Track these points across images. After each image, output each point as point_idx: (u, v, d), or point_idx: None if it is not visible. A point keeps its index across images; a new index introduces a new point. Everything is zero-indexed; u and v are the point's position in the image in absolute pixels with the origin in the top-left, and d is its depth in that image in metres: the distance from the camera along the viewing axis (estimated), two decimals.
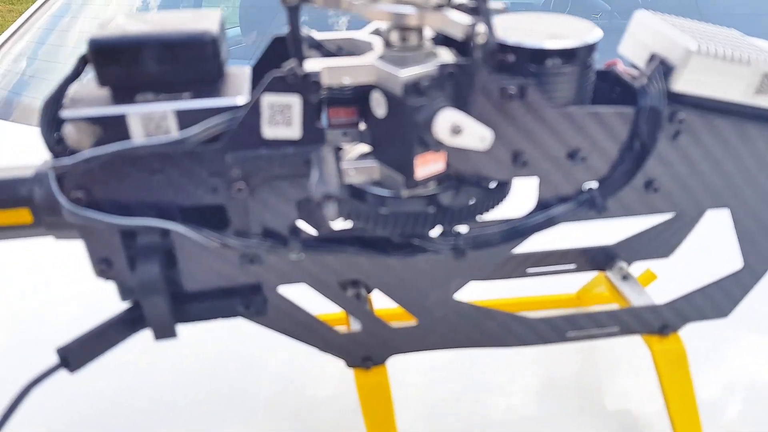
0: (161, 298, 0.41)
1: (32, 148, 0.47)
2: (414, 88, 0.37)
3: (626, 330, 0.52)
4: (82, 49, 0.39)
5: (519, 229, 0.45)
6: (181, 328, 0.44)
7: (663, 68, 0.41)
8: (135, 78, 0.38)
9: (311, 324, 0.48)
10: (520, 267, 0.62)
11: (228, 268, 0.44)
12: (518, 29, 0.41)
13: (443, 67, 0.38)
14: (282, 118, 0.39)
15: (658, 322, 0.52)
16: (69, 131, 0.38)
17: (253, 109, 0.38)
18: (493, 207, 0.44)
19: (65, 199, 0.39)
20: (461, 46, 0.39)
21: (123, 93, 0.39)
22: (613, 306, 0.56)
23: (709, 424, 0.55)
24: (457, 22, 0.36)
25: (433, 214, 0.42)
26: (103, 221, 0.39)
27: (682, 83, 0.41)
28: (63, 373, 0.44)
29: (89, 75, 0.40)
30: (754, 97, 0.42)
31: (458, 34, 0.36)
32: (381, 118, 0.39)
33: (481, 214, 0.44)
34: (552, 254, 0.61)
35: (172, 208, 0.41)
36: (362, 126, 0.41)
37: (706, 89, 0.41)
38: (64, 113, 0.38)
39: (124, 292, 0.45)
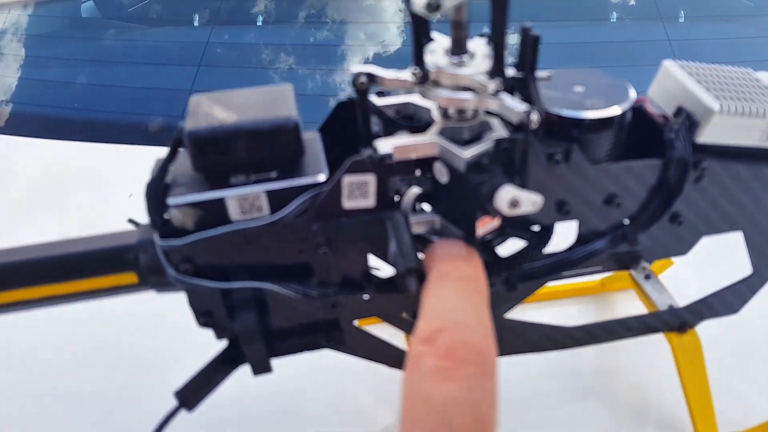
0: (259, 341, 0.48)
1: None
2: (476, 166, 0.42)
3: (651, 330, 0.60)
4: None
5: (564, 262, 0.51)
6: None
7: (688, 123, 0.47)
8: (228, 163, 0.44)
9: (382, 347, 0.55)
10: None
11: (312, 310, 0.50)
12: (558, 92, 0.46)
13: (499, 142, 0.43)
14: (359, 192, 0.44)
15: (678, 322, 0.60)
16: (175, 215, 0.44)
17: (335, 187, 0.43)
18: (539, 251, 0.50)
19: (173, 271, 0.45)
20: None
21: (217, 176, 0.44)
22: (636, 310, 0.63)
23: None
24: (513, 109, 0.41)
25: (487, 261, 0.48)
26: (207, 287, 0.46)
27: (705, 137, 0.46)
28: None
29: (181, 157, 0.45)
30: (767, 141, 0.48)
31: (514, 119, 0.41)
32: (444, 184, 0.44)
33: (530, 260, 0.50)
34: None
35: (263, 267, 0.47)
36: (417, 172, 0.47)
37: (726, 139, 0.47)
38: (170, 200, 0.43)
39: (220, 332, 0.51)
